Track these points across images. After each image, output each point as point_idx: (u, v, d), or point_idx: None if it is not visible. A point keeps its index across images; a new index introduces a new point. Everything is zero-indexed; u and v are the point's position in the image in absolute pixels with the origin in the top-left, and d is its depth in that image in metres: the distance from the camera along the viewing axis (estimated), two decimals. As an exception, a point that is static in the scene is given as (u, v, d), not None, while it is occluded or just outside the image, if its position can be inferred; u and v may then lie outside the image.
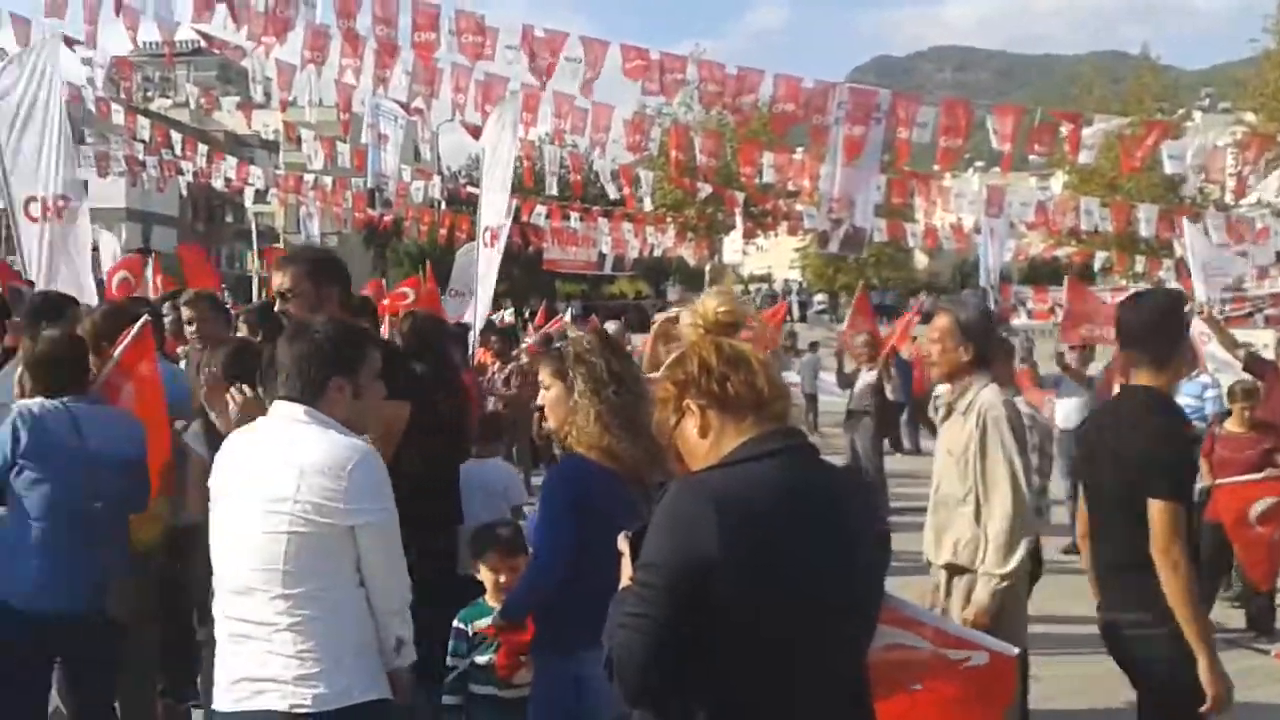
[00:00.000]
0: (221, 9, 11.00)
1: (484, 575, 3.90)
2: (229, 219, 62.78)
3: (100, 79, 15.14)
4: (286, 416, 2.90)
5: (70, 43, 13.21)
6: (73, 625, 3.84)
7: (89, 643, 3.80)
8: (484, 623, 3.74)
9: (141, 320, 4.66)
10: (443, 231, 25.78)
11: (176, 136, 20.95)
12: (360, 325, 3.54)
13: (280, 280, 3.87)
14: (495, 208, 9.32)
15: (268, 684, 2.70)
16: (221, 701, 2.80)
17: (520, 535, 4.00)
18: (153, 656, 4.64)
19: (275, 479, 2.77)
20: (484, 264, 9.45)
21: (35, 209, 7.48)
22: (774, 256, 64.68)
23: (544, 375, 3.46)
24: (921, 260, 63.25)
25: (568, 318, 17.69)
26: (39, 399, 3.92)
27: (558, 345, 3.47)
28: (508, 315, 23.75)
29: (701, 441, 2.24)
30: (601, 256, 30.00)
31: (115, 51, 16.04)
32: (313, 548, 2.74)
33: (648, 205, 21.18)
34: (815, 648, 2.12)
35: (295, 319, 3.33)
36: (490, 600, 3.89)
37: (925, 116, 10.48)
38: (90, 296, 7.46)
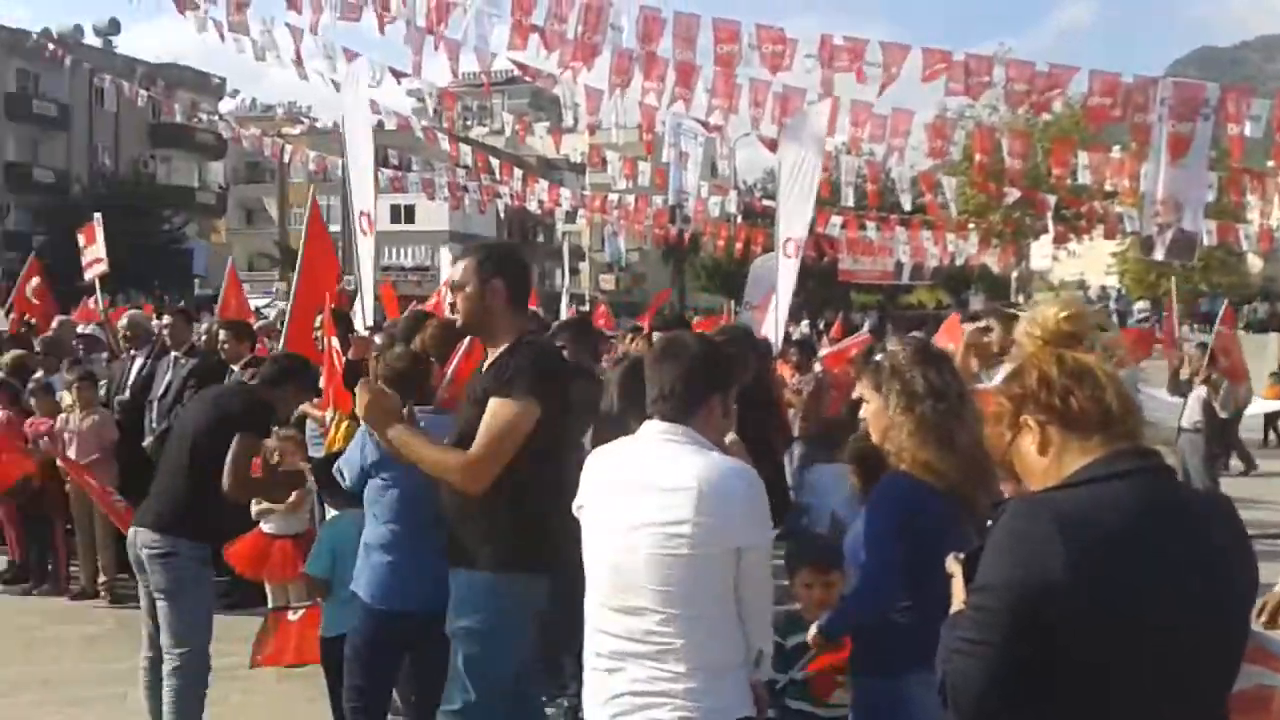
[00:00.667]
0: (535, 38, 11.60)
1: (798, 589, 3.87)
2: (540, 238, 65.90)
3: (429, 108, 16.24)
4: (662, 435, 2.90)
5: (398, 75, 14.33)
6: (421, 621, 4.12)
7: (432, 638, 4.01)
8: (801, 638, 3.72)
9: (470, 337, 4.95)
10: (739, 245, 26.01)
11: (494, 162, 22.22)
12: (716, 341, 3.61)
13: (453, 274, 3.93)
14: (797, 219, 9.33)
15: (656, 699, 2.75)
16: (597, 714, 2.87)
17: (837, 548, 3.96)
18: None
19: (665, 501, 2.77)
20: (784, 276, 9.47)
21: (364, 224, 8.15)
22: (1086, 262, 61.05)
23: (862, 388, 3.41)
24: (1255, 264, 58.11)
25: (865, 330, 17.39)
26: None
27: (877, 358, 3.38)
28: (803, 327, 23.61)
29: (1040, 460, 2.12)
30: (899, 266, 29.37)
31: (438, 82, 17.22)
32: (703, 569, 2.76)
33: (950, 212, 20.57)
34: (1170, 685, 1.96)
35: (665, 338, 3.36)
36: (807, 615, 3.86)
37: (1259, 109, 9.69)
38: (369, 311, 8.12)
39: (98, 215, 13.06)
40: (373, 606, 4.32)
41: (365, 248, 8.05)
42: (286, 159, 22.63)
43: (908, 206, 20.26)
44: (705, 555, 2.74)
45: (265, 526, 6.37)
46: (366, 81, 8.74)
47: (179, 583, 4.81)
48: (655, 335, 6.39)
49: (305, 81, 14.85)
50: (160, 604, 4.84)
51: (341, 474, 4.43)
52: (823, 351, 13.32)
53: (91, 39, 50.69)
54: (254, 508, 6.35)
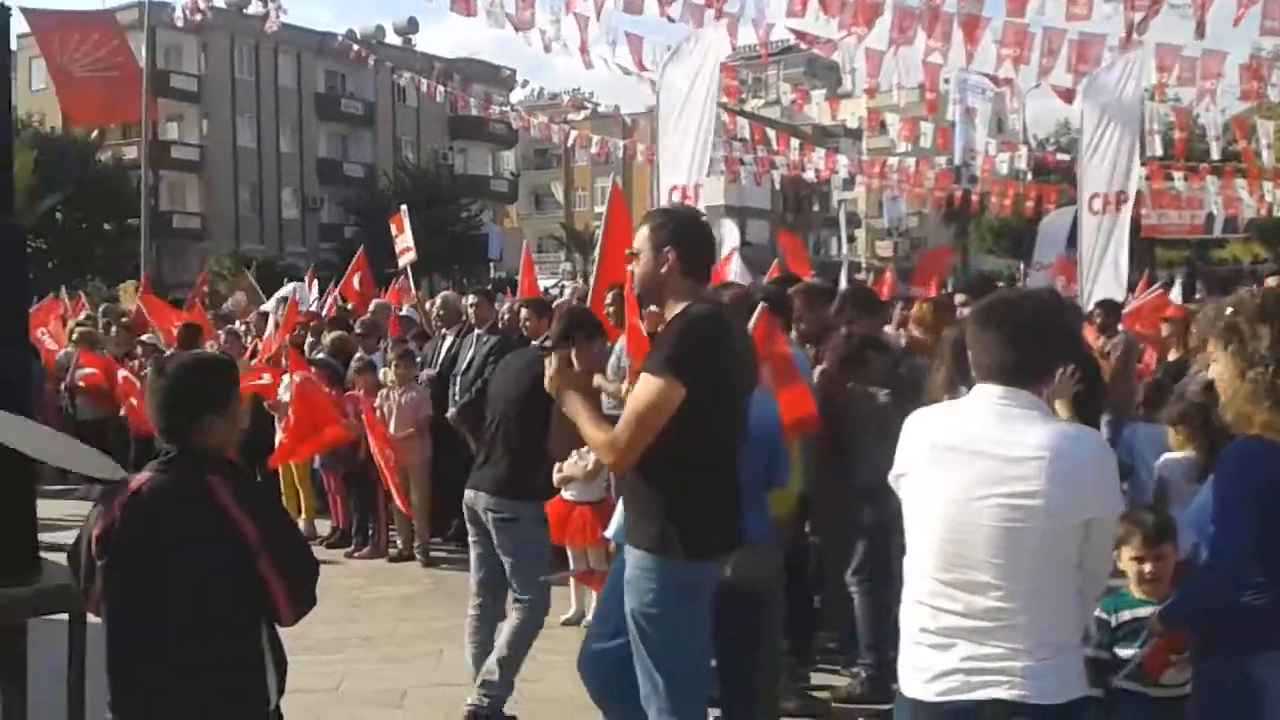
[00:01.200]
0: (814, 3, 11.47)
1: (1125, 563, 3.65)
2: (815, 208, 65.29)
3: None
4: (1001, 400, 2.72)
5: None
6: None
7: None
8: (1128, 614, 3.54)
9: (760, 307, 4.99)
10: (1028, 204, 24.84)
11: (770, 133, 22.20)
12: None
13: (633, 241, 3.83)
14: (1102, 174, 8.83)
15: (993, 676, 2.64)
16: (921, 691, 2.76)
17: (1168, 521, 3.71)
18: (777, 621, 4.88)
19: (1012, 471, 2.62)
20: (1087, 233, 8.98)
21: (677, 198, 8.23)
22: None
23: (1211, 347, 3.13)
24: None
25: (1176, 290, 16.20)
26: None
27: (1226, 313, 3.10)
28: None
29: None
30: (1210, 218, 27.18)
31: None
32: (1052, 542, 2.63)
33: (1266, 159, 18.92)
34: None
35: (1000, 297, 3.08)
36: (1135, 590, 3.64)
37: None
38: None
39: (404, 207, 13.98)
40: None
41: None
42: (570, 144, 23.44)
43: (1217, 155, 18.79)
44: (1055, 528, 2.61)
45: (566, 494, 6.62)
46: (716, 47, 8.57)
47: (521, 544, 5.16)
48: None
49: (589, 70, 15.31)
50: (506, 560, 5.18)
51: None
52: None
53: (392, 38, 54.11)
54: (555, 476, 6.65)
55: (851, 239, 48.53)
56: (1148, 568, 3.62)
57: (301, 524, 9.18)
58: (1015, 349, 2.72)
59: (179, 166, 49.43)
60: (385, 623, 7.18)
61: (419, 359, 9.28)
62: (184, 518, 2.92)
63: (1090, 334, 10.95)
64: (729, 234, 14.86)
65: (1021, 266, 13.89)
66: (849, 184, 42.39)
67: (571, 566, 6.79)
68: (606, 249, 8.00)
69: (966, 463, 2.69)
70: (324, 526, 9.49)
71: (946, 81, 16.93)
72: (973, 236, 51.68)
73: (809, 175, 24.64)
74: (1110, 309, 9.25)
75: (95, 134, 40.07)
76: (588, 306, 6.98)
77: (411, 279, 12.97)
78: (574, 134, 24.56)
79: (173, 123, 49.50)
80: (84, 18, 25.94)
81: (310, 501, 9.53)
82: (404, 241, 13.08)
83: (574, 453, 6.61)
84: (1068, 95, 14.19)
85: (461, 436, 8.41)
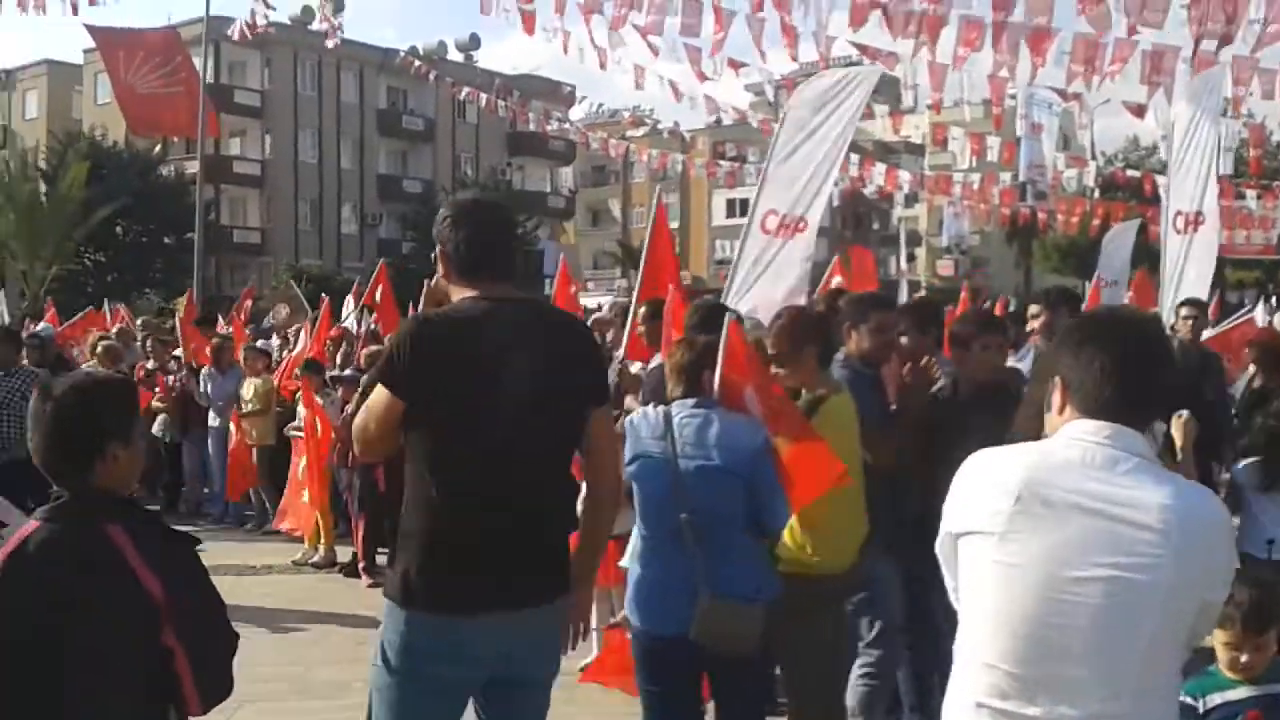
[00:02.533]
0: (876, 15, 11.16)
1: (1216, 644, 3.18)
2: (875, 225, 64.77)
3: (769, 98, 16.12)
4: (1105, 442, 2.14)
5: (736, 66, 14.28)
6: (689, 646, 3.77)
7: (726, 667, 3.76)
8: (1221, 699, 3.14)
9: (727, 319, 4.53)
10: (1095, 223, 24.25)
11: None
12: None
13: None
14: (1186, 192, 8.47)
15: None
16: None
17: (1274, 601, 3.20)
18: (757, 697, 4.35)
19: (1127, 537, 2.06)
20: (1171, 253, 8.61)
21: (771, 223, 7.90)
22: None
23: None
24: None
25: (1260, 310, 15.58)
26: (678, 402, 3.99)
27: None
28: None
29: None
30: (1282, 238, 26.48)
31: (777, 73, 17.08)
32: (1169, 629, 2.09)
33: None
34: None
35: (1103, 311, 2.67)
36: (1226, 671, 3.20)
37: None
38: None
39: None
40: (635, 626, 3.98)
41: (756, 245, 7.83)
42: (629, 160, 23.28)
43: (1296, 172, 18.21)
44: (1173, 612, 2.07)
45: None
46: (865, 87, 8.06)
47: None
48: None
49: (640, 89, 15.16)
50: None
51: None
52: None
53: (454, 55, 54.47)
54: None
55: (912, 257, 48.01)
56: (1244, 658, 3.16)
57: (321, 550, 9.00)
58: (1133, 378, 2.17)
59: (240, 181, 50.11)
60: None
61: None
62: (79, 577, 2.37)
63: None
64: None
65: (1092, 282, 13.37)
66: (911, 201, 41.93)
67: (594, 606, 6.42)
68: (647, 266, 7.72)
69: (1064, 521, 2.10)
70: (345, 553, 9.02)
71: (1013, 96, 16.53)
72: (1037, 255, 50.86)
73: (868, 191, 24.25)
74: (1198, 305, 8.83)
75: (158, 148, 40.68)
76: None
77: None
78: (632, 150, 24.39)
79: (235, 138, 50.21)
80: (149, 35, 26.37)
81: (329, 526, 9.14)
82: None
83: None
84: (1138, 111, 13.77)
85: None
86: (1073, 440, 2.17)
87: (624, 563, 4.56)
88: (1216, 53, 9.62)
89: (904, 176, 25.05)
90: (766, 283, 7.54)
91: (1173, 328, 7.82)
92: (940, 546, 2.33)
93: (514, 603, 2.92)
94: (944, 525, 2.30)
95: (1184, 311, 7.94)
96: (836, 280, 9.70)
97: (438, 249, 3.16)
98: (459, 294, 3.11)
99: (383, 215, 53.57)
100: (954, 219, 32.34)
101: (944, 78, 13.49)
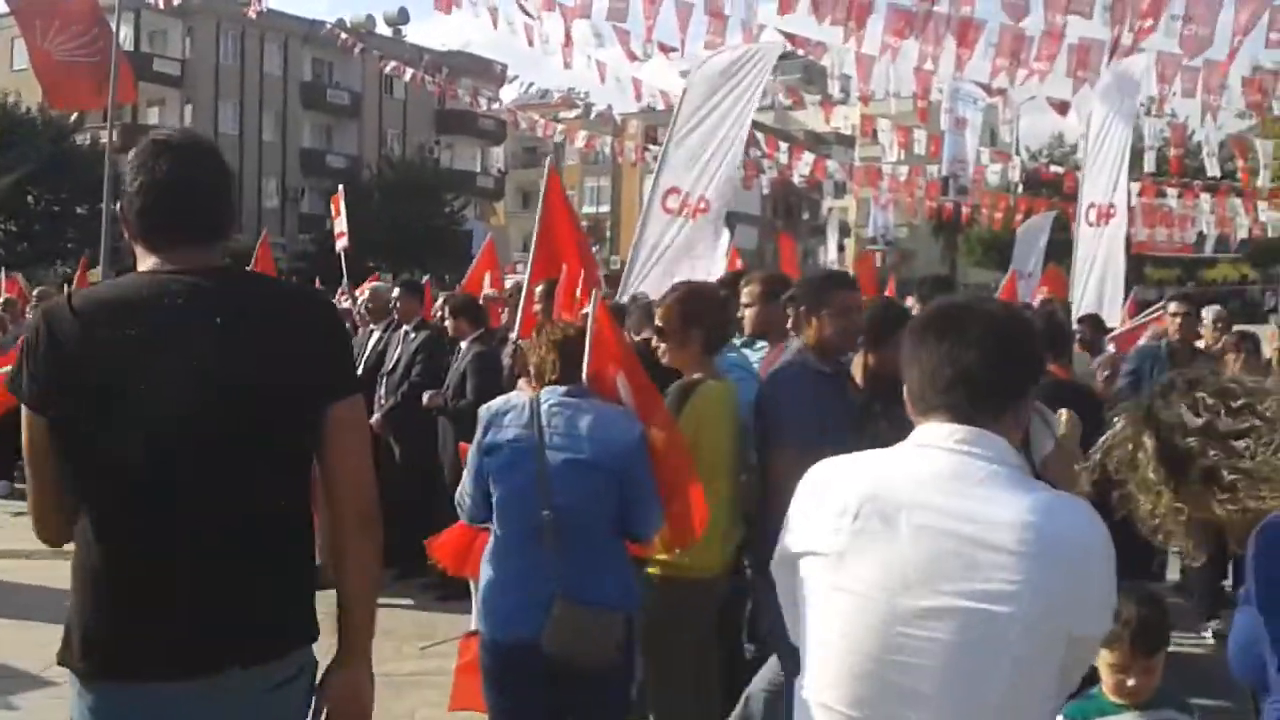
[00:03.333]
0: (804, 4, 11.01)
1: (1100, 664, 2.89)
2: (805, 215, 65.04)
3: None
4: (959, 447, 1.86)
5: (666, 50, 14.05)
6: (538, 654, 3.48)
7: (573, 680, 3.43)
8: None
9: (595, 295, 4.18)
10: (1019, 217, 24.48)
11: (760, 137, 21.73)
12: None
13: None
14: (1102, 183, 8.42)
15: None
16: None
17: (1164, 621, 2.97)
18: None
19: (978, 560, 1.76)
20: (1083, 244, 8.58)
21: (673, 201, 7.67)
22: None
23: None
24: None
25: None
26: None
27: None
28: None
29: None
30: (1201, 237, 26.93)
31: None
32: (1031, 668, 1.76)
33: (1262, 179, 18.63)
34: None
35: (951, 301, 2.15)
36: (1110, 695, 2.93)
37: None
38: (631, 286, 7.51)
39: (340, 187, 13.29)
40: (484, 634, 3.63)
41: (658, 226, 7.58)
42: (560, 142, 22.96)
43: (1215, 172, 18.48)
44: (1036, 647, 1.76)
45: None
46: (765, 63, 7.75)
47: None
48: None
49: (568, 69, 14.90)
50: None
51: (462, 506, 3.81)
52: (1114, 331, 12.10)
53: (383, 29, 53.54)
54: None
55: (841, 248, 48.18)
56: (1131, 681, 2.90)
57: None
58: (983, 371, 1.88)
59: (160, 152, 48.69)
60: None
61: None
62: None
63: (1080, 351, 10.51)
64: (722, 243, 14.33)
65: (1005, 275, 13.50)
66: (840, 192, 42.10)
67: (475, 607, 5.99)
68: (540, 242, 7.10)
69: (908, 542, 1.80)
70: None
71: (940, 90, 16.53)
72: (962, 249, 51.45)
73: (796, 180, 24.20)
74: (1097, 325, 8.78)
75: (74, 117, 39.37)
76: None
77: (345, 267, 12.18)
78: (561, 131, 24.05)
79: (154, 107, 48.83)
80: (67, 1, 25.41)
81: None
82: (340, 225, 12.43)
83: None
84: (1062, 108, 13.81)
85: (387, 444, 7.79)
86: (920, 446, 1.89)
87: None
88: (1132, 48, 9.62)
89: (832, 167, 25.05)
90: (671, 265, 7.33)
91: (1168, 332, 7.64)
92: (777, 566, 2.01)
93: (190, 666, 2.21)
94: (782, 541, 1.99)
95: (1173, 308, 7.74)
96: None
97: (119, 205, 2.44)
98: (141, 265, 2.38)
99: (305, 190, 52.49)
100: (880, 210, 32.37)
101: (871, 69, 13.45)
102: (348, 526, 2.37)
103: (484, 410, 3.67)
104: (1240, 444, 1.98)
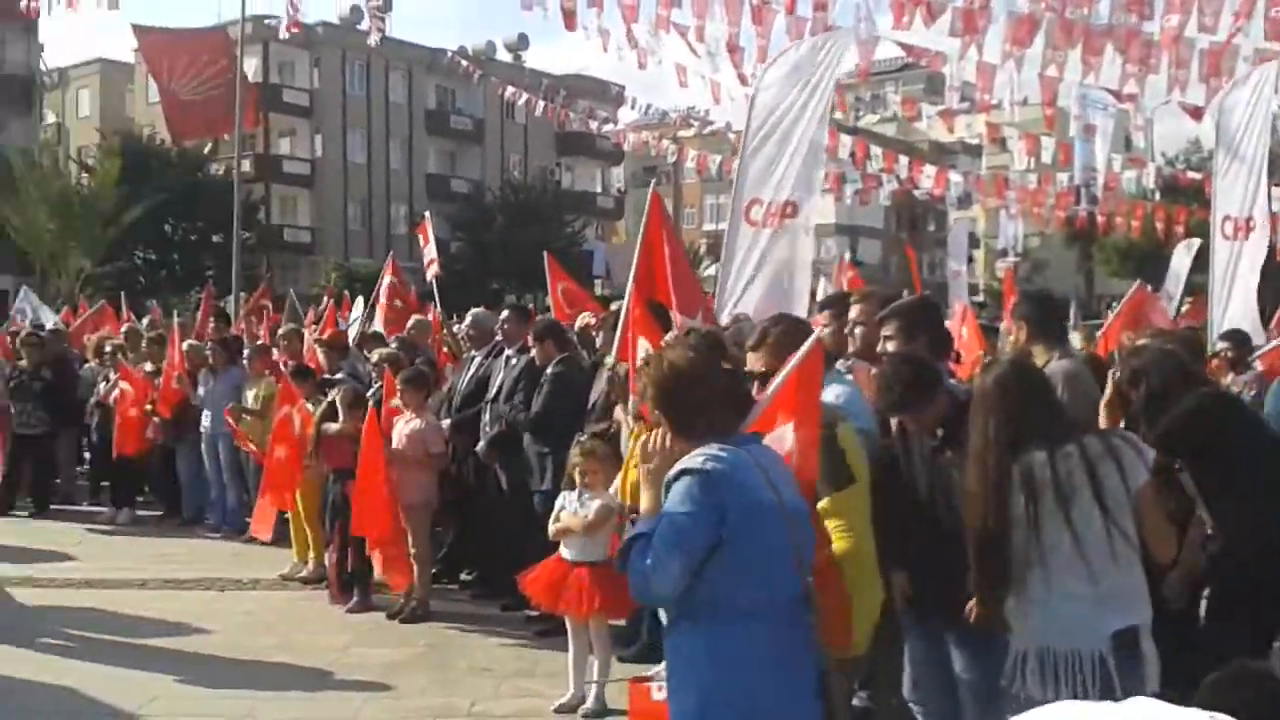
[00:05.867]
0: (919, 14, 10.63)
1: None
2: (931, 227, 63.75)
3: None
4: None
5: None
6: None
7: None
8: None
9: (812, 337, 3.74)
10: (1159, 225, 23.38)
11: (877, 151, 21.25)
12: None
13: None
14: (1235, 196, 7.84)
15: None
16: None
17: None
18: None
19: None
20: (1219, 260, 7.97)
21: (756, 213, 7.36)
22: None
23: None
24: None
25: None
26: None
27: None
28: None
29: None
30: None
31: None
32: None
33: None
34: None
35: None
36: None
37: None
38: (801, 307, 7.16)
39: (427, 214, 13.20)
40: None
41: (744, 241, 7.25)
42: (675, 160, 22.84)
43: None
44: None
45: (564, 552, 5.66)
46: (834, 58, 7.34)
47: None
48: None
49: (684, 88, 14.77)
50: None
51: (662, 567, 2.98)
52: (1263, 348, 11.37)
53: (503, 55, 54.32)
54: (551, 526, 5.75)
55: (970, 259, 46.95)
56: None
57: (310, 564, 8.59)
58: None
59: (291, 181, 50.25)
60: (352, 701, 6.04)
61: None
62: None
63: (1219, 370, 9.84)
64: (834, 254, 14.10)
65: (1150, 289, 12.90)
66: (965, 203, 41.02)
67: (571, 641, 5.72)
68: (639, 264, 6.81)
69: None
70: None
71: (1068, 96, 15.94)
72: (1098, 258, 49.59)
73: (918, 193, 23.64)
74: (1241, 341, 8.19)
75: (208, 148, 40.86)
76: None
77: (437, 294, 12.08)
78: (673, 149, 23.94)
79: (285, 138, 50.42)
80: (195, 36, 26.34)
81: (319, 538, 8.55)
82: (429, 253, 12.34)
83: (567, 497, 5.74)
84: (1196, 113, 13.08)
85: (493, 472, 7.72)
86: None
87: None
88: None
89: (955, 178, 24.36)
90: (769, 281, 6.97)
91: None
92: None
93: None
94: None
95: (1220, 346, 7.23)
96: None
97: None
98: None
99: (430, 215, 53.50)
100: (1009, 221, 31.41)
101: (992, 77, 12.95)
102: None
103: (717, 465, 3.01)
104: None
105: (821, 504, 3.42)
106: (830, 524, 3.42)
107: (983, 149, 51.48)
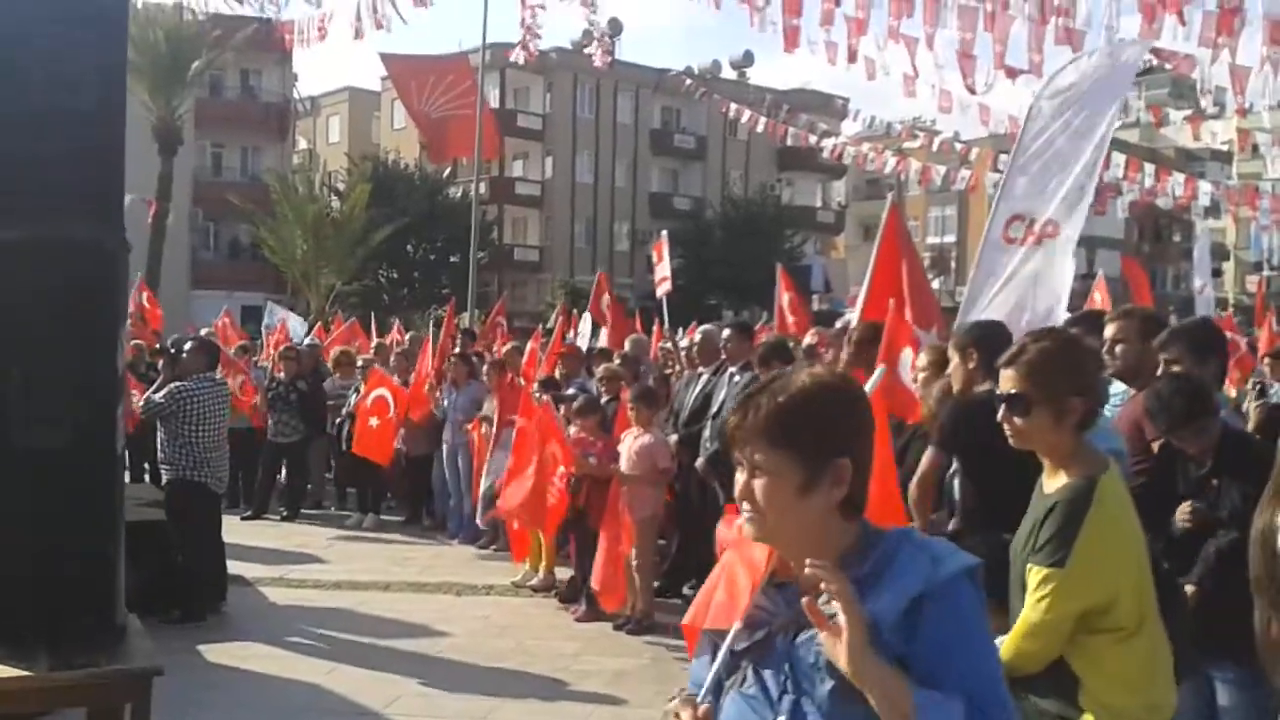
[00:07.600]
0: (1170, 18, 10.13)
1: None
2: (1176, 238, 60.19)
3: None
4: None
5: (1012, 74, 13.35)
6: None
7: None
8: None
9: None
10: None
11: (1119, 159, 20.24)
12: None
13: None
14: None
15: None
16: None
17: None
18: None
19: None
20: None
21: (1016, 230, 7.04)
22: None
23: None
24: None
25: None
26: None
27: None
28: None
29: None
30: None
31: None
32: None
33: None
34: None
35: None
36: None
37: None
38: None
39: (664, 233, 13.31)
40: None
41: (998, 256, 6.95)
42: (899, 172, 22.43)
43: None
44: None
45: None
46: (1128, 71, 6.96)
47: None
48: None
49: (911, 98, 14.55)
50: None
51: None
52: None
53: (728, 73, 54.69)
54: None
55: (1218, 272, 44.03)
56: None
57: (541, 573, 8.83)
58: None
59: (522, 201, 52.11)
60: (585, 708, 6.22)
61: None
62: None
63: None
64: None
65: None
66: (1213, 211, 38.52)
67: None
68: (873, 280, 6.69)
69: None
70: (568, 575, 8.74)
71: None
72: (1366, 271, 45.69)
73: (1163, 203, 22.35)
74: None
75: (447, 171, 42.76)
76: None
77: (665, 312, 12.20)
78: (896, 162, 23.52)
79: (518, 160, 52.27)
80: (439, 61, 27.61)
81: (551, 545, 8.81)
82: (662, 271, 12.45)
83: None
84: None
85: (713, 489, 7.77)
86: None
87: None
88: None
89: (1204, 186, 22.95)
90: (1018, 297, 6.63)
91: None
92: None
93: None
94: None
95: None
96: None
97: None
98: None
99: (653, 232, 54.38)
100: (1260, 232, 29.34)
101: (1246, 80, 12.19)
102: None
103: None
104: None
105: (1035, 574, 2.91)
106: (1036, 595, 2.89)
107: (1233, 155, 48.26)
